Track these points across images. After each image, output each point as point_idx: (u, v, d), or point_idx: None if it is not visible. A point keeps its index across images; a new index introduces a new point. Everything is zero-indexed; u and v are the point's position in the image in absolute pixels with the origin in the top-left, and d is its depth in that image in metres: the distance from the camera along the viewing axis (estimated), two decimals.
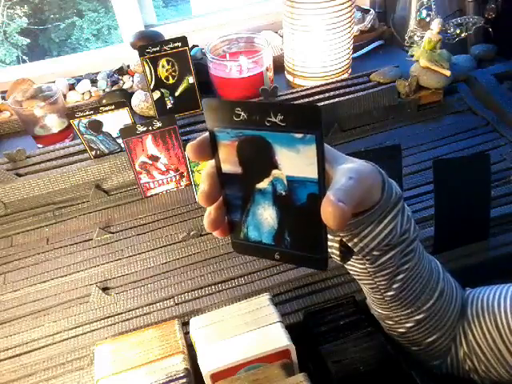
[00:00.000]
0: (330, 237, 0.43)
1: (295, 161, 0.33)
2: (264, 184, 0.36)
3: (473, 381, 0.54)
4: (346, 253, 0.44)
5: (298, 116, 0.32)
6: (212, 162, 0.37)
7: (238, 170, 0.36)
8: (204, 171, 0.37)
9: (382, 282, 0.47)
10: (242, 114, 0.33)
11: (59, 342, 0.65)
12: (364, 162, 0.39)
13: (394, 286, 0.47)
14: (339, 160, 0.38)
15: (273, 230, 0.37)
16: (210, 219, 0.37)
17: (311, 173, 0.33)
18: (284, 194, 0.35)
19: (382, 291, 0.48)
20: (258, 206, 0.36)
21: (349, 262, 0.46)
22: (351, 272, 0.48)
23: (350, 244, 0.42)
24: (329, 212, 0.32)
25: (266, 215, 0.36)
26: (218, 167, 0.36)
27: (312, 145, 0.32)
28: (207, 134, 0.36)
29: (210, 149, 0.36)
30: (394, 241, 0.43)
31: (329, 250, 0.44)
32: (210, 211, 0.37)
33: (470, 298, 0.54)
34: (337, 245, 0.43)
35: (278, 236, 0.37)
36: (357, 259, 0.45)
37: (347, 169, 0.36)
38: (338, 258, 0.44)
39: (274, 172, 0.35)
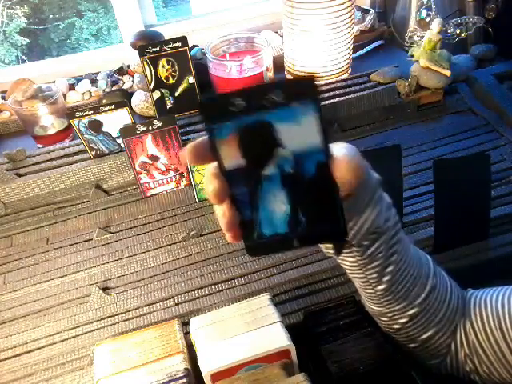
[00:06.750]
0: None
1: (298, 133, 0.34)
2: (270, 168, 0.35)
3: (474, 382, 0.54)
4: (339, 245, 0.45)
5: (295, 88, 0.33)
6: (213, 164, 0.36)
7: (242, 162, 0.35)
8: (207, 173, 0.36)
9: (373, 275, 0.48)
10: (240, 102, 0.33)
11: (59, 341, 0.65)
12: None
13: (384, 278, 0.48)
14: None
15: (286, 216, 0.36)
16: (226, 220, 0.36)
17: (316, 141, 0.34)
18: (292, 171, 0.35)
19: (373, 285, 0.49)
20: (267, 195, 0.36)
21: (340, 257, 0.48)
22: (343, 266, 0.50)
23: None
24: (344, 165, 0.35)
25: (277, 201, 0.36)
26: (222, 167, 0.35)
27: (313, 113, 0.33)
28: (203, 137, 0.35)
29: (210, 150, 0.35)
30: (380, 225, 0.44)
31: (321, 245, 0.46)
32: (225, 211, 0.36)
33: (472, 298, 0.54)
34: None
35: (293, 219, 0.36)
36: (347, 252, 0.47)
37: (337, 146, 0.39)
38: (332, 251, 0.46)
39: (279, 151, 0.35)
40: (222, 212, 0.36)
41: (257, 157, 0.35)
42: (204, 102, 0.34)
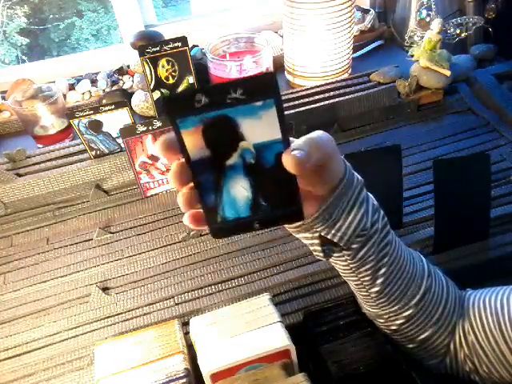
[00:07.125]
0: (309, 235, 0.45)
1: (259, 127, 0.36)
2: (233, 159, 0.37)
3: (474, 382, 0.54)
4: (328, 249, 0.46)
5: (256, 86, 0.35)
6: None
7: (206, 153, 0.37)
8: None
9: (366, 278, 0.48)
10: (203, 98, 0.34)
11: (59, 342, 0.64)
12: None
13: (378, 281, 0.48)
14: None
15: (248, 201, 0.38)
16: (184, 198, 0.38)
17: (275, 134, 0.36)
18: (253, 161, 0.37)
19: (367, 287, 0.49)
20: (230, 182, 0.38)
21: (331, 260, 0.48)
22: (337, 269, 0.50)
23: (328, 237, 0.44)
24: (287, 160, 0.36)
25: (239, 188, 0.38)
26: (187, 158, 0.37)
27: (272, 108, 0.35)
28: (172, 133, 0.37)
29: (176, 140, 0.36)
30: (368, 228, 0.44)
31: (311, 248, 0.46)
32: (184, 192, 0.38)
33: (471, 299, 0.54)
34: (317, 241, 0.44)
35: (255, 204, 0.38)
36: (338, 256, 0.47)
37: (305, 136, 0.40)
38: (321, 255, 0.45)
39: (241, 144, 0.37)
40: (181, 193, 0.38)
41: (220, 149, 0.37)
42: (169, 98, 0.35)
